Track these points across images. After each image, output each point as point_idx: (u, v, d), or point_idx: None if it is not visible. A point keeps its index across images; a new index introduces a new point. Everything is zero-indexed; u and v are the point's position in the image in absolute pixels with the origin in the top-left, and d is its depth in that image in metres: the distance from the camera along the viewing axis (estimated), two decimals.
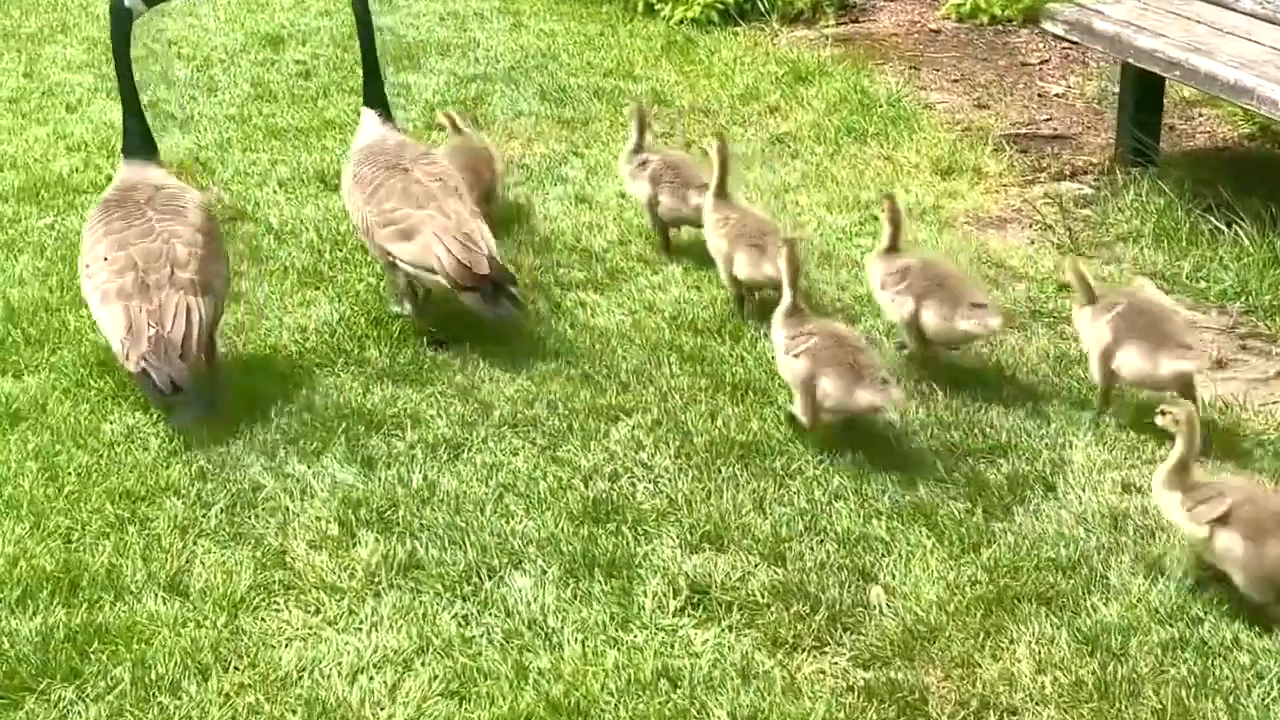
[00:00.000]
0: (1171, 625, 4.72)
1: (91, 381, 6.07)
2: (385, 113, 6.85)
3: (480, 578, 4.95)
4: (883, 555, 5.06)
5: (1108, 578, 4.93)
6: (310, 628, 4.75)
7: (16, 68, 10.11)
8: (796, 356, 5.62)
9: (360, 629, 4.73)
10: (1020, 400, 5.91)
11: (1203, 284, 6.90)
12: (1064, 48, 9.95)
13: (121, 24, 6.36)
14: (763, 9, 10.75)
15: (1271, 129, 8.39)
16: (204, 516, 5.27)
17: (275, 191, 8.01)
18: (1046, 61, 9.99)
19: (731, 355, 6.27)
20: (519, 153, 8.51)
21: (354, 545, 5.11)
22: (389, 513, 5.28)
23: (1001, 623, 4.73)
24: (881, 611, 4.79)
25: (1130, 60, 7.71)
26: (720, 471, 5.49)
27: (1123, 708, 4.40)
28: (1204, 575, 4.87)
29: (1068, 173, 8.21)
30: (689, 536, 5.13)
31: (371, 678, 4.53)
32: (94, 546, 5.12)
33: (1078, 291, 5.86)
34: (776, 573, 4.95)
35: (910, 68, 9.88)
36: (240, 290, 6.71)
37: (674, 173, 7.12)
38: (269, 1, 11.57)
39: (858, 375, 5.50)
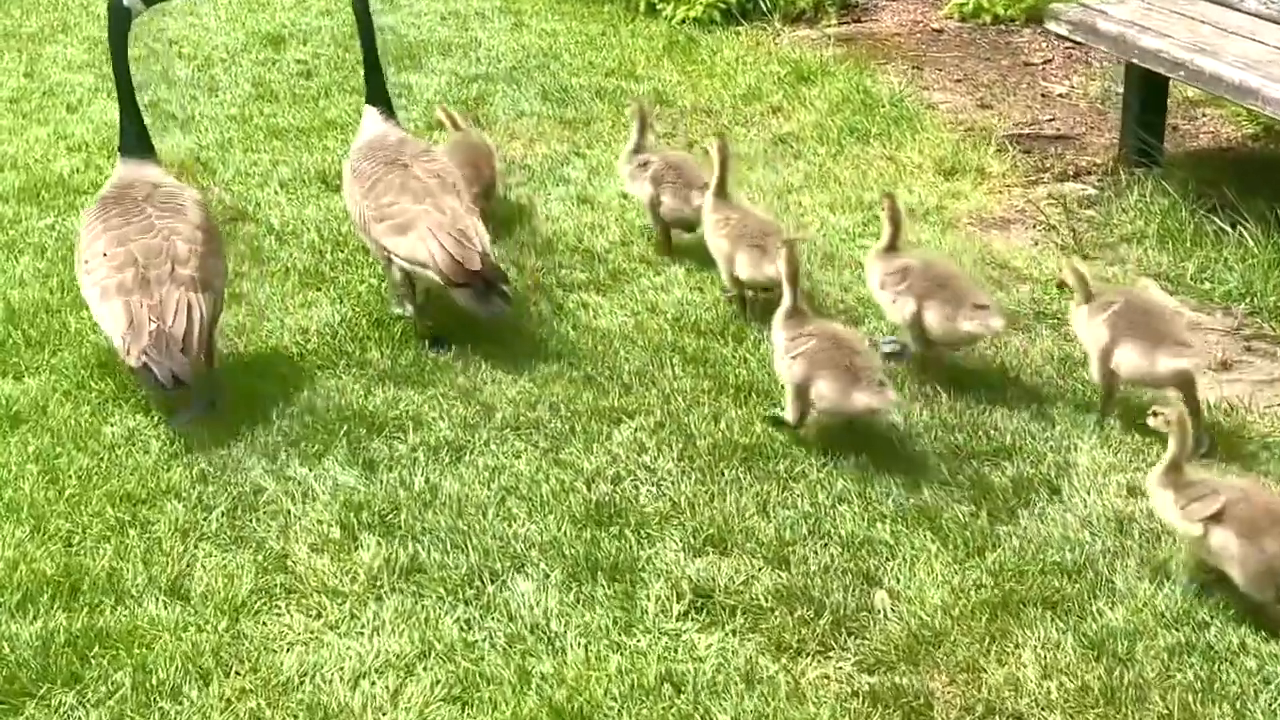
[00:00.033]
0: (1178, 630, 4.70)
1: (92, 384, 6.05)
2: (387, 110, 6.84)
3: (482, 581, 4.93)
4: (887, 559, 5.04)
5: (1113, 582, 4.91)
6: (312, 632, 4.73)
7: (17, 68, 10.09)
8: (794, 359, 5.61)
9: (362, 633, 4.71)
10: (1024, 402, 5.89)
11: (1207, 285, 6.87)
12: (1067, 47, 9.92)
13: (120, 23, 6.36)
14: (765, 9, 10.72)
15: (1276, 129, 8.37)
16: (205, 520, 5.25)
17: (276, 192, 7.99)
18: (1050, 61, 9.97)
19: (734, 357, 6.25)
20: (521, 153, 8.49)
21: (356, 549, 5.09)
22: (391, 516, 5.26)
23: (1006, 627, 4.71)
24: (886, 616, 4.77)
25: (1134, 60, 7.69)
26: (723, 474, 5.47)
27: (1129, 713, 4.38)
28: (1208, 579, 4.85)
29: (1071, 173, 8.19)
30: (692, 540, 5.11)
31: (373, 683, 4.51)
32: (95, 550, 5.10)
33: (1075, 290, 5.85)
34: (780, 577, 4.93)
35: (913, 68, 9.85)
36: (241, 291, 6.69)
37: (676, 173, 7.10)
38: (270, 1, 11.55)
39: (854, 377, 5.48)
